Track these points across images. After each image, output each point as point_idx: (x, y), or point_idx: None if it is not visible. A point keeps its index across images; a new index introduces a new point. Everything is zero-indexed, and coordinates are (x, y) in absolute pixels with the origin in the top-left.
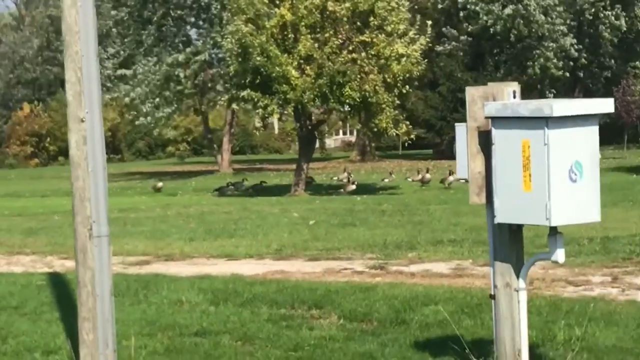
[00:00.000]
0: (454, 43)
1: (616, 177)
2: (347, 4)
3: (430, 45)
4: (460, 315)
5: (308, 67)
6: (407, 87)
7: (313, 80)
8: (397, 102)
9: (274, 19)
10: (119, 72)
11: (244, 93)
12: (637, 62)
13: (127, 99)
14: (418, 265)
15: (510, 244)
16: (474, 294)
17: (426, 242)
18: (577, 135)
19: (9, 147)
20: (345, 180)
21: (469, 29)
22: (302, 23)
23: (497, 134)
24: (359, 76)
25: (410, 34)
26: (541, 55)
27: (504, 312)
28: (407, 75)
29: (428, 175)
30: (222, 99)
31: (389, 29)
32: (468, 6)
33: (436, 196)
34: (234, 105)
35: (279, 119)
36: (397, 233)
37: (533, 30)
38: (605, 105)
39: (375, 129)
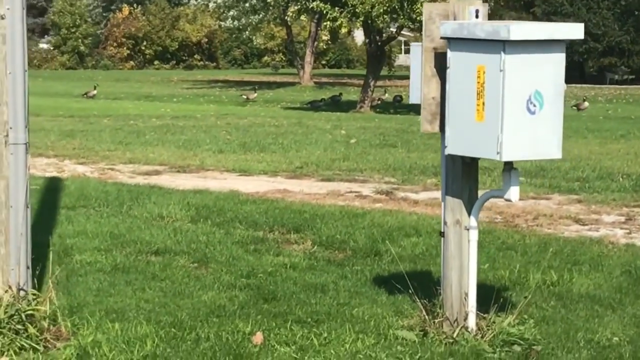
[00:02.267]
0: None
1: None
2: None
3: None
4: (439, 249)
5: None
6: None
7: None
8: None
9: None
10: None
11: (313, 4)
12: None
13: (212, 4)
14: (429, 193)
15: (463, 178)
16: None
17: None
18: (538, 62)
19: (106, 49)
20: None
21: None
22: None
23: (452, 57)
24: None
25: None
26: None
27: (453, 252)
28: None
29: None
30: (291, 9)
31: None
32: None
33: None
34: (302, 17)
35: (348, 33)
36: (433, 157)
37: None
38: (572, 30)
39: None
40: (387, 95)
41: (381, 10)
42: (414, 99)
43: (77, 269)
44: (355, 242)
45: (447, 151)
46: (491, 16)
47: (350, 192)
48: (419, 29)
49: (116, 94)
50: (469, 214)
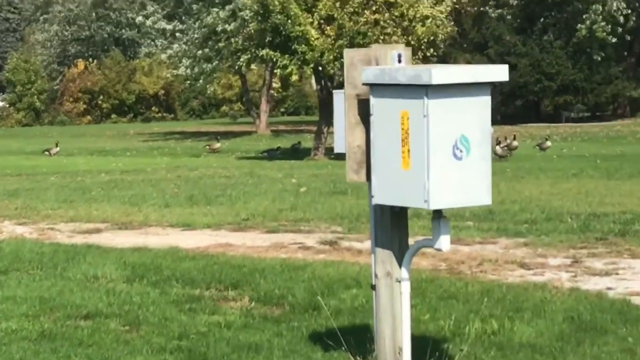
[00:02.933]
0: (505, 8)
1: None
2: None
3: (481, 9)
4: None
5: (328, 27)
6: (432, 50)
7: (333, 41)
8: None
9: None
10: (159, 25)
11: (263, 52)
12: None
13: (163, 55)
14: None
15: (393, 228)
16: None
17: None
18: (463, 106)
19: (62, 104)
20: None
21: None
22: None
23: (375, 103)
24: (380, 38)
25: None
26: (589, 18)
27: (384, 305)
28: (432, 37)
29: None
30: (241, 59)
31: None
32: None
33: None
34: (253, 66)
35: (299, 80)
36: None
37: None
38: (497, 72)
39: None
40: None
41: (331, 57)
42: (338, 147)
43: (1, 338)
44: (294, 296)
45: (374, 201)
46: (444, 59)
47: (294, 243)
48: None
49: (69, 150)
50: (400, 265)
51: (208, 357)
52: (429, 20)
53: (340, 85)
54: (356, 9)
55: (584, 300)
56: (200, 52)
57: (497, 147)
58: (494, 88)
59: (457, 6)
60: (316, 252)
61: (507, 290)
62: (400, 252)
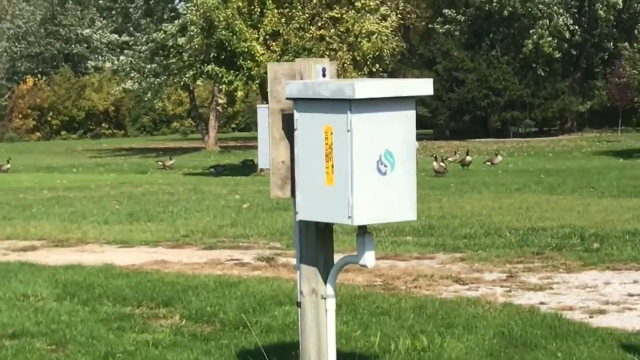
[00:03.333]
0: (453, 24)
1: (599, 161)
2: None
3: (429, 25)
4: None
5: (274, 43)
6: (377, 65)
7: (278, 57)
8: None
9: None
10: (107, 38)
11: (208, 68)
12: (626, 44)
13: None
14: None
15: (318, 244)
16: (342, 292)
17: (344, 230)
18: (387, 120)
19: (11, 121)
20: None
21: (464, 9)
22: None
23: (299, 118)
24: (326, 53)
25: (382, 10)
26: (535, 33)
27: (309, 323)
28: (377, 53)
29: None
30: (187, 74)
31: (359, 4)
32: None
33: None
34: (199, 82)
35: (245, 96)
36: None
37: (529, 9)
38: (421, 86)
39: None
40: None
41: None
42: (263, 163)
43: None
44: (225, 314)
45: (299, 217)
46: (393, 74)
47: (231, 259)
48: None
49: (15, 167)
50: (325, 282)
51: None
52: (374, 36)
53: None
54: (302, 25)
55: (515, 315)
56: (148, 66)
57: (434, 163)
58: (442, 103)
59: (404, 22)
60: (252, 268)
61: (439, 305)
62: (326, 268)
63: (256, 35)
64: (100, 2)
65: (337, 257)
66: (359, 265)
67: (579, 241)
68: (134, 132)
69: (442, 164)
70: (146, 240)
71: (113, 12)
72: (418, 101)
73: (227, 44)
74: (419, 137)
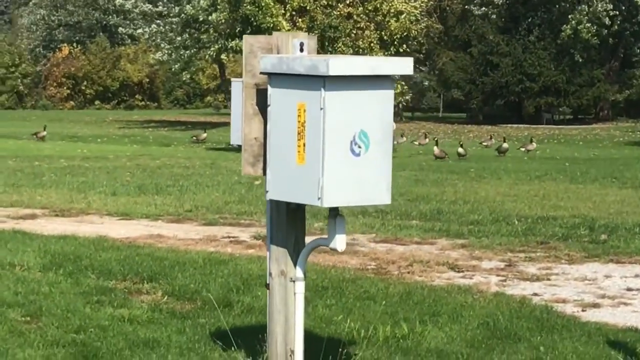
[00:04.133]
0: (490, 7)
1: (629, 151)
2: None
3: (465, 7)
4: None
5: (300, 20)
6: (405, 45)
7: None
8: None
9: None
10: (140, 7)
11: (233, 43)
12: None
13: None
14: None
15: (288, 225)
16: (331, 274)
17: (350, 212)
18: (363, 100)
19: (46, 89)
20: None
21: None
22: None
23: (273, 94)
24: (353, 32)
25: None
26: (574, 18)
27: (278, 305)
28: (405, 33)
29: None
30: (212, 48)
31: None
32: None
33: (420, 163)
34: (223, 56)
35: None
36: None
37: None
38: (400, 66)
39: None
40: None
41: None
42: (234, 139)
43: None
44: (208, 292)
45: (269, 196)
46: (428, 55)
47: (228, 237)
48: None
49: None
50: (295, 264)
51: (100, 353)
52: (402, 16)
53: None
54: (329, 2)
55: (504, 306)
56: (179, 38)
57: (435, 148)
58: (475, 87)
59: (441, 3)
60: (247, 246)
61: (428, 293)
62: (296, 250)
63: (283, 11)
64: None
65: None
66: (329, 248)
67: (587, 232)
68: (168, 104)
69: (442, 149)
70: (148, 214)
71: None
72: (452, 84)
73: (252, 19)
74: (452, 120)
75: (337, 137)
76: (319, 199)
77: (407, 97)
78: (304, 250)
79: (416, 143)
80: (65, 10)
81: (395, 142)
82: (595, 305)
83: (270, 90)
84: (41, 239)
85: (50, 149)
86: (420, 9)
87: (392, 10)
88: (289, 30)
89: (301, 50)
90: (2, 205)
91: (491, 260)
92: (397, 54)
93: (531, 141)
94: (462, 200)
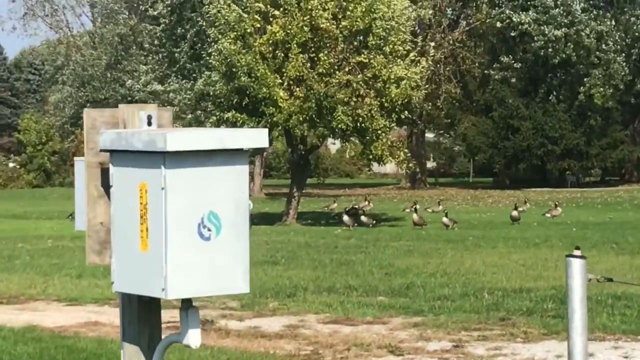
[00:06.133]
0: (509, 71)
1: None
2: (344, 22)
3: (485, 71)
4: None
5: (297, 89)
6: (407, 112)
7: (301, 103)
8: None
9: (265, 36)
10: (151, 87)
11: (229, 114)
12: None
13: None
14: (258, 320)
15: (141, 320)
16: None
17: (316, 289)
18: (212, 177)
19: (74, 165)
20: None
21: (521, 55)
22: (294, 41)
23: (115, 173)
24: (352, 100)
25: (411, 55)
26: (589, 82)
27: None
28: (406, 100)
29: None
30: (210, 120)
31: (387, 49)
32: (521, 27)
33: (419, 233)
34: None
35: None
36: (305, 275)
37: (582, 55)
38: (251, 138)
39: (371, 156)
40: (335, 204)
41: (300, 119)
42: (79, 225)
43: None
44: None
45: (114, 288)
46: (450, 119)
47: (167, 322)
48: (342, 137)
49: (50, 213)
50: None
51: None
52: (403, 82)
53: (313, 149)
54: (327, 70)
55: None
56: (190, 115)
57: (415, 215)
58: (497, 151)
59: (460, 67)
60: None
61: None
62: (151, 348)
63: (279, 81)
64: (147, 46)
65: None
66: (183, 345)
67: (555, 305)
68: None
69: (421, 216)
70: (99, 298)
71: (158, 57)
72: (475, 149)
73: (248, 90)
74: (478, 185)
75: (182, 220)
76: (162, 290)
77: (410, 165)
78: (158, 350)
79: (429, 210)
80: (92, 87)
81: (408, 210)
82: None
83: (112, 169)
84: None
85: (49, 227)
86: (420, 75)
87: (393, 77)
88: (286, 99)
89: (149, 124)
90: None
91: (440, 341)
92: (399, 120)
93: (556, 206)
94: (441, 272)
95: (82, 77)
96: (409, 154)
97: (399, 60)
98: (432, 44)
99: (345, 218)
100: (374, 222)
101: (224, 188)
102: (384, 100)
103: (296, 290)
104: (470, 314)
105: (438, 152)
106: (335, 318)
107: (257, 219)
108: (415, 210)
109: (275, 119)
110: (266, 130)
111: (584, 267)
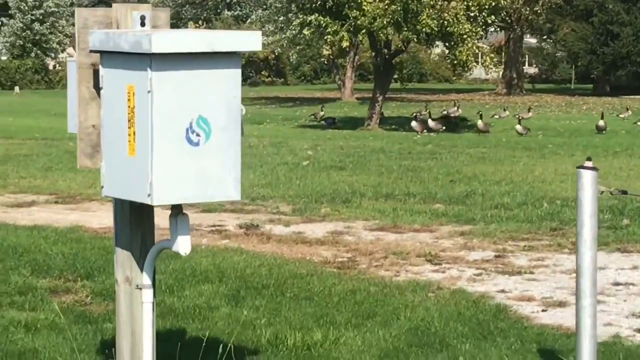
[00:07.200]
0: None
1: None
2: None
3: None
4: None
5: None
6: (493, 16)
7: (386, 7)
8: (481, 32)
9: None
10: None
11: (312, 17)
12: None
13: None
14: (303, 226)
15: (133, 225)
16: (283, 270)
17: (374, 195)
18: (202, 80)
19: None
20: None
21: None
22: None
23: (104, 75)
24: (438, 3)
25: None
26: None
27: (124, 316)
28: (494, 4)
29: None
30: (294, 23)
31: None
32: None
33: (500, 139)
34: (305, 31)
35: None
36: (368, 181)
37: None
38: (243, 41)
39: (455, 61)
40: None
41: (384, 22)
42: (71, 127)
43: None
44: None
45: (103, 192)
46: (549, 24)
47: (214, 225)
48: (427, 42)
49: None
50: (141, 269)
51: None
52: None
53: (397, 53)
54: None
55: (450, 307)
56: (282, 18)
57: (479, 122)
58: (596, 58)
59: None
60: (223, 237)
61: (375, 291)
62: (143, 254)
63: None
64: None
65: None
66: (172, 251)
67: (611, 215)
68: (294, 80)
69: (487, 122)
70: None
71: None
72: (572, 54)
73: None
74: (577, 92)
75: (169, 125)
76: (148, 195)
77: (493, 68)
78: (150, 255)
79: (518, 117)
80: None
81: (497, 117)
82: (561, 304)
83: (102, 70)
84: (8, 228)
85: None
86: None
87: None
88: (370, 2)
89: (142, 24)
90: (15, 191)
91: (484, 250)
92: (485, 25)
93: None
94: (507, 180)
95: None
96: (495, 59)
97: None
98: None
99: (414, 124)
100: (443, 127)
101: (215, 92)
102: (470, 4)
103: (353, 196)
104: (522, 224)
105: (540, 58)
106: (383, 225)
107: (342, 123)
108: (480, 117)
109: (359, 22)
110: (259, 32)
111: (595, 179)
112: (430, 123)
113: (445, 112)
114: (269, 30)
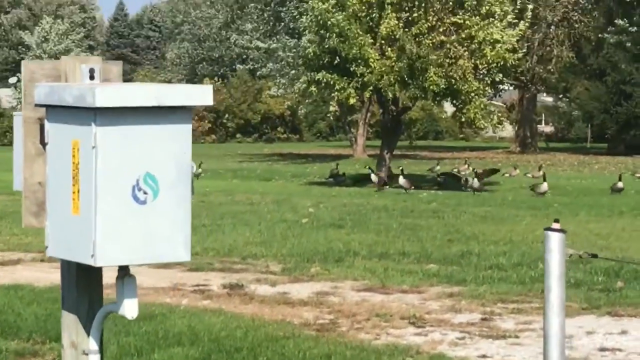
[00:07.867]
0: (624, 35)
1: None
2: None
3: (600, 34)
4: None
5: (389, 49)
6: (501, 75)
7: (392, 64)
8: (489, 91)
9: None
10: (254, 44)
11: (319, 75)
12: None
13: (263, 70)
14: (292, 286)
15: (79, 288)
16: (260, 332)
17: (368, 254)
18: (150, 136)
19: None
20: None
21: (638, 18)
22: (388, 0)
23: (50, 129)
24: (446, 61)
25: (509, 17)
26: None
27: None
28: (501, 63)
29: (540, 173)
30: (300, 80)
31: (484, 10)
32: None
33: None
34: (312, 88)
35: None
36: (365, 239)
37: None
38: (195, 94)
39: (463, 119)
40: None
41: (391, 79)
42: (16, 184)
43: None
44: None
45: (48, 253)
46: (561, 83)
47: (198, 285)
48: (434, 99)
49: None
50: (88, 334)
51: None
52: (499, 45)
53: (404, 110)
54: (422, 30)
55: None
56: (293, 71)
57: (400, 178)
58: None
59: (573, 30)
60: (205, 297)
61: (351, 356)
62: (90, 317)
63: (371, 40)
64: (252, 4)
65: None
66: (119, 315)
67: (605, 278)
68: (310, 137)
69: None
70: None
71: (265, 15)
72: (586, 113)
73: (339, 50)
74: (591, 152)
75: (115, 182)
76: (92, 256)
77: (500, 126)
78: (97, 318)
79: (529, 175)
80: (207, 45)
81: (508, 175)
82: None
83: (47, 125)
84: None
85: None
86: (516, 37)
87: (489, 39)
88: (377, 59)
89: (91, 78)
90: (0, 250)
91: (471, 313)
92: (493, 83)
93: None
94: (506, 240)
95: (199, 35)
96: (502, 118)
97: (495, 22)
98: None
99: (401, 180)
100: (413, 187)
101: (163, 148)
102: (478, 62)
103: (346, 255)
104: (514, 285)
105: (556, 117)
106: (371, 285)
107: (351, 181)
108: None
109: (366, 79)
110: (210, 87)
111: (563, 242)
112: (401, 180)
113: (455, 170)
114: (281, 83)
